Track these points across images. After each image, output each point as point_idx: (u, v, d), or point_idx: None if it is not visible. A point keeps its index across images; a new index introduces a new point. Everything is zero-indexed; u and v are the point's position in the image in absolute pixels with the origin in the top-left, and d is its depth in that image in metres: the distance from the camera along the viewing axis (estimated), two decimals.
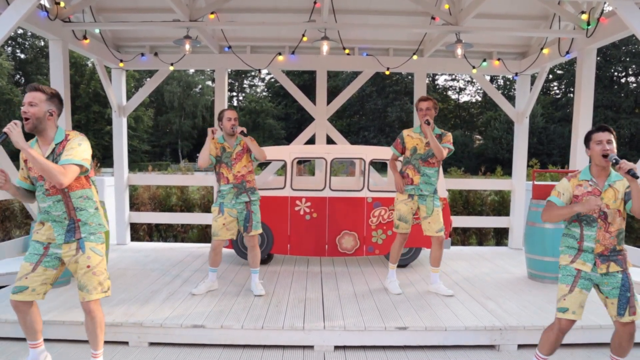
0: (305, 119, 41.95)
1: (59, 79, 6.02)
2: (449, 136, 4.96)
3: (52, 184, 3.05)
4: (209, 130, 4.84)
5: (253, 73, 53.29)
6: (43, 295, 3.19)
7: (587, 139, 3.24)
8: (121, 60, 7.53)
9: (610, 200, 3.11)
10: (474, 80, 46.84)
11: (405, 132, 5.04)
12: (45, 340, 3.97)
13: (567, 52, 6.42)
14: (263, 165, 9.08)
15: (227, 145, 4.90)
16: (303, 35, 6.69)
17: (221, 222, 4.87)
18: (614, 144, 3.14)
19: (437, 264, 5.05)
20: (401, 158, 5.17)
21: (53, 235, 3.13)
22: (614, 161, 3.03)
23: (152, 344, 4.02)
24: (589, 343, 4.10)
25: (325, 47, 6.26)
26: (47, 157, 3.04)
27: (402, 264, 6.23)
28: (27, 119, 3.00)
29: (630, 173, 2.91)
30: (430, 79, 49.99)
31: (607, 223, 3.11)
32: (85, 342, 3.95)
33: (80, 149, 3.07)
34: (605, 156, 3.09)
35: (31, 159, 2.86)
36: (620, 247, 3.15)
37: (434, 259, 5.04)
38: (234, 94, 56.59)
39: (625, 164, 2.94)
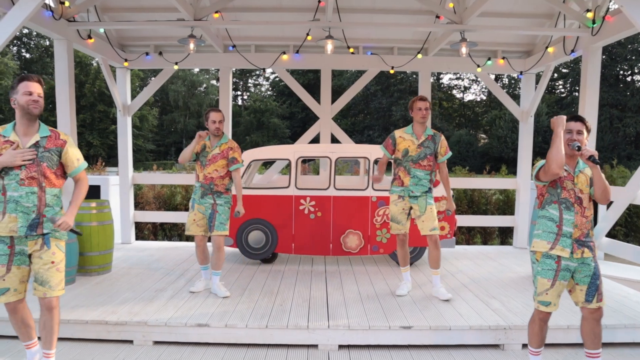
0: (310, 118, 42.00)
1: (63, 78, 6.04)
2: (445, 142, 4.85)
3: (29, 174, 3.09)
4: (198, 134, 4.80)
5: (257, 72, 53.35)
6: (24, 293, 3.21)
7: None
8: (126, 60, 7.55)
9: (584, 185, 3.17)
10: (478, 79, 46.73)
11: (397, 133, 4.86)
12: None
13: (573, 51, 6.39)
14: (267, 164, 9.07)
15: (208, 145, 4.88)
16: (307, 34, 6.69)
17: (192, 217, 4.90)
18: (585, 135, 3.18)
19: (437, 266, 4.81)
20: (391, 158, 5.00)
21: (16, 227, 3.07)
22: (576, 148, 3.10)
23: (156, 342, 4.03)
24: None
25: (329, 46, 6.25)
26: (30, 147, 3.12)
27: None
28: (36, 107, 3.12)
29: (591, 159, 3.03)
30: (435, 77, 49.86)
31: (583, 208, 3.16)
32: (88, 340, 3.99)
33: (78, 151, 3.36)
34: (569, 145, 3.16)
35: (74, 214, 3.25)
36: (591, 232, 3.22)
37: (432, 261, 4.80)
38: (239, 93, 56.65)
39: (587, 150, 3.05)
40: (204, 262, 5.06)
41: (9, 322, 3.22)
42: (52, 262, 3.15)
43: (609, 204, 6.31)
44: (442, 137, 4.87)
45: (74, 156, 3.29)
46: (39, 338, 3.29)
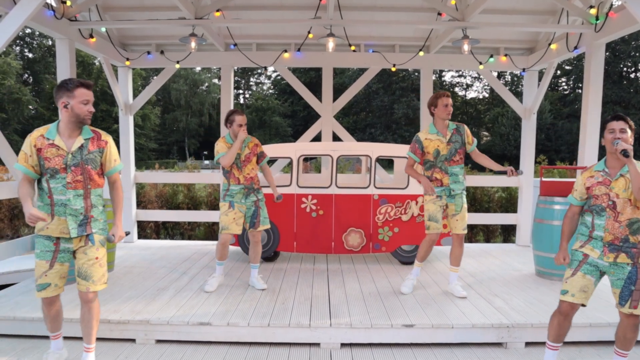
0: (312, 117, 41.99)
1: (66, 77, 6.03)
2: (469, 130, 4.87)
3: (75, 178, 3.20)
4: (242, 132, 4.81)
5: (259, 70, 53.32)
6: (63, 287, 3.37)
7: (603, 128, 3.27)
8: (128, 59, 7.55)
9: (621, 190, 3.13)
10: (481, 77, 46.66)
11: (421, 136, 4.73)
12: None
13: (576, 47, 6.35)
14: (269, 162, 9.08)
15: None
16: (309, 32, 6.67)
17: (232, 216, 4.93)
18: (629, 133, 3.16)
19: (458, 264, 4.87)
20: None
21: (67, 228, 3.22)
22: (615, 144, 3.11)
23: (158, 341, 4.04)
24: (598, 341, 4.07)
25: (331, 44, 6.24)
26: (76, 151, 3.21)
27: (409, 262, 6.22)
28: (90, 117, 3.24)
29: (622, 152, 3.03)
30: (437, 75, 49.80)
31: (617, 212, 3.12)
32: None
33: (116, 151, 3.44)
34: (612, 143, 3.14)
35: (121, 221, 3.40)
36: (635, 238, 3.11)
37: (455, 258, 4.85)
38: (241, 91, 56.70)
39: (621, 144, 3.06)
40: (224, 257, 5.08)
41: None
42: (97, 258, 3.31)
43: None
44: (466, 127, 4.86)
45: (112, 157, 3.38)
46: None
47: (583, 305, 3.21)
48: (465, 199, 4.83)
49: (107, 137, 3.39)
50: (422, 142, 4.72)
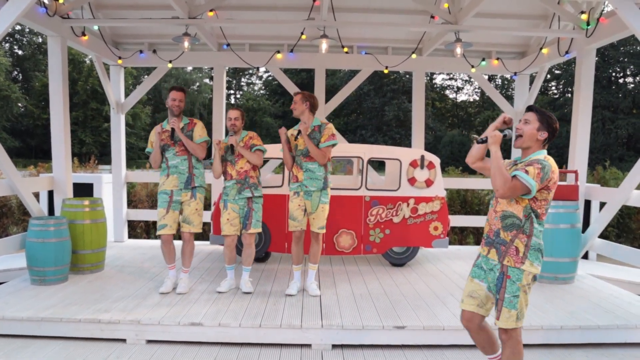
0: None
1: (57, 75, 6.00)
2: (330, 129, 4.75)
3: (181, 148, 4.78)
4: (214, 143, 4.94)
5: (250, 71, 53.24)
6: (176, 230, 4.84)
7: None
8: (120, 57, 7.51)
9: None
10: (471, 80, 46.92)
11: (289, 131, 4.92)
12: (43, 337, 3.98)
13: (567, 52, 6.42)
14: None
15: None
16: (302, 34, 6.68)
17: (225, 217, 4.90)
18: (531, 125, 2.77)
19: (316, 260, 4.92)
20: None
21: (177, 183, 4.76)
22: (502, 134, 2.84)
23: (149, 341, 4.01)
24: (587, 343, 4.10)
25: (324, 45, 6.26)
26: (182, 129, 4.79)
27: (399, 264, 6.23)
28: (178, 112, 4.80)
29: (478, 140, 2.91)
30: (428, 78, 49.95)
31: (496, 202, 2.88)
32: (81, 339, 3.99)
33: (202, 131, 4.88)
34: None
35: (185, 142, 4.76)
36: (506, 235, 2.78)
37: (312, 255, 4.90)
38: (232, 91, 56.50)
39: (486, 134, 2.86)
40: (232, 261, 5.01)
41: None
42: (197, 209, 4.85)
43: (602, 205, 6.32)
44: (328, 126, 4.78)
45: (197, 133, 4.83)
46: None
47: (483, 316, 2.92)
48: (324, 200, 4.81)
49: (197, 121, 4.89)
50: (288, 137, 4.86)
